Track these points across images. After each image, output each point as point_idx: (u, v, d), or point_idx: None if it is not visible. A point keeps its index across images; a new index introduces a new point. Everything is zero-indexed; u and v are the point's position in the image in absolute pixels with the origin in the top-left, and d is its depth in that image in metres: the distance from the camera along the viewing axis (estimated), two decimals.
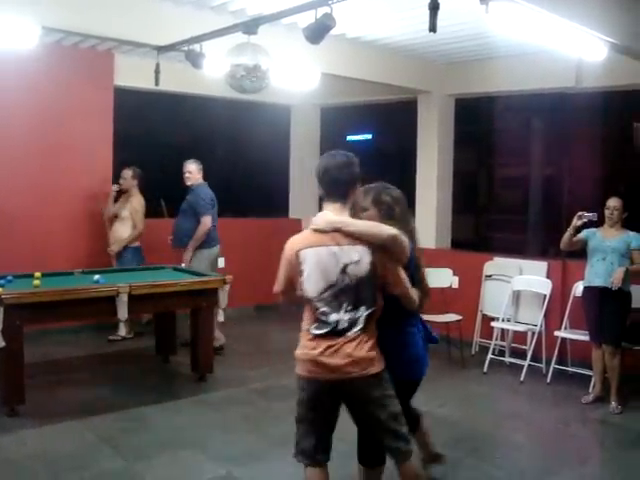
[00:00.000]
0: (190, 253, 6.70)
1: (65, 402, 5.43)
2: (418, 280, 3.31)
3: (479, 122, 8.99)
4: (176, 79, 7.20)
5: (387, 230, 3.06)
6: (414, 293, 3.22)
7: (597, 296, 5.70)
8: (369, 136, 10.65)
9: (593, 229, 5.76)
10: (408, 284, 3.17)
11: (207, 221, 6.69)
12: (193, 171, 6.92)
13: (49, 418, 4.98)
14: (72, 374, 6.18)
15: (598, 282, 5.68)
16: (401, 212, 3.39)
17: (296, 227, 9.82)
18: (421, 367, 3.48)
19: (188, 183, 6.90)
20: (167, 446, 4.60)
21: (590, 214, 5.60)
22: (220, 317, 5.95)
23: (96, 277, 5.62)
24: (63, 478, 4.10)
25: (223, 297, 5.88)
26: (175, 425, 5.01)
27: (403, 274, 3.14)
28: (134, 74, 7.55)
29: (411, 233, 3.36)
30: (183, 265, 6.60)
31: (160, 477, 4.18)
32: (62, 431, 4.80)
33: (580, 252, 5.98)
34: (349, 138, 10.75)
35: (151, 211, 7.93)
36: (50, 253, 7.00)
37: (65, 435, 4.74)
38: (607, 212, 5.64)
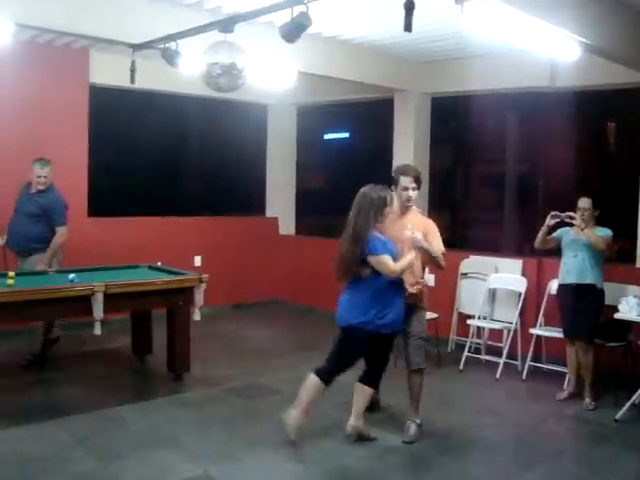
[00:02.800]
0: (46, 264, 6.18)
1: (39, 402, 5.38)
2: None
3: (455, 121, 9.03)
4: (152, 77, 7.15)
5: None
6: None
7: (570, 293, 5.76)
8: (346, 135, 10.66)
9: (567, 228, 5.82)
10: None
11: (65, 232, 6.28)
12: (49, 174, 6.26)
13: (22, 419, 4.93)
14: (47, 374, 6.12)
15: (571, 279, 5.75)
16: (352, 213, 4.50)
17: (273, 225, 9.84)
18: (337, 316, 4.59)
19: (42, 187, 6.25)
20: (143, 446, 4.57)
21: (563, 214, 5.67)
22: (196, 316, 5.92)
23: (71, 276, 5.57)
24: None
25: (199, 296, 5.86)
26: (151, 425, 4.99)
27: None
28: (110, 72, 7.50)
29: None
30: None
31: (136, 477, 4.14)
32: (36, 432, 4.75)
33: (555, 250, 6.05)
34: (326, 137, 10.75)
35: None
36: None
37: (39, 436, 4.69)
38: (578, 213, 5.70)
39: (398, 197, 4.71)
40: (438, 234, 4.83)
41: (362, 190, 4.50)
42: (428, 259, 4.74)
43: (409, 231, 4.60)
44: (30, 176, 6.30)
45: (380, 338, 4.47)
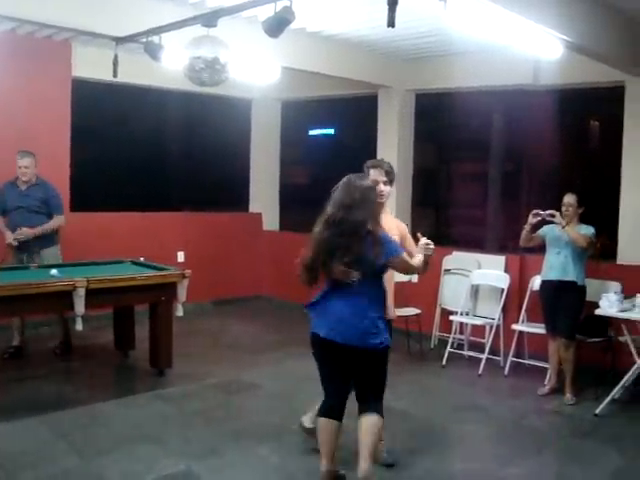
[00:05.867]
0: (36, 233, 6.26)
1: (21, 398, 5.34)
2: None
3: (439, 118, 9.04)
4: (135, 71, 7.12)
5: None
6: None
7: (552, 289, 5.82)
8: (331, 131, 10.65)
9: (551, 225, 5.86)
10: None
11: (63, 220, 6.50)
12: (31, 165, 6.33)
13: (3, 415, 4.88)
14: (28, 370, 6.09)
15: (553, 276, 5.80)
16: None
17: (256, 221, 9.82)
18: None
19: (25, 179, 6.33)
20: (125, 442, 4.56)
21: (545, 212, 5.71)
22: (179, 312, 5.91)
23: (53, 271, 5.54)
24: (18, 477, 4.03)
25: (182, 291, 5.85)
26: (133, 420, 4.97)
27: None
28: (92, 65, 7.43)
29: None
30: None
31: (118, 473, 4.13)
32: (17, 428, 4.71)
33: (538, 247, 6.10)
34: (311, 133, 10.73)
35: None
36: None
37: (20, 432, 4.66)
38: (563, 209, 5.77)
39: None
40: None
41: (350, 179, 3.83)
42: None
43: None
44: (14, 170, 6.35)
45: None
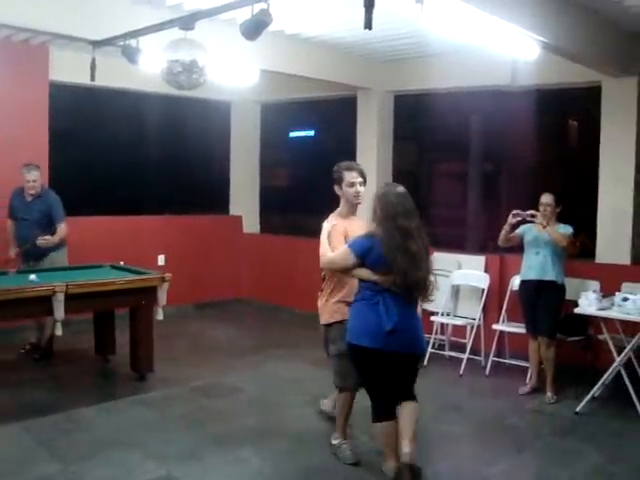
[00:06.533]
0: (55, 240, 6.42)
1: (1, 404, 5.29)
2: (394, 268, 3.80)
3: (418, 119, 9.07)
4: (113, 74, 7.07)
5: None
6: (364, 274, 3.89)
7: (532, 289, 5.84)
8: (311, 132, 10.65)
9: (529, 225, 5.90)
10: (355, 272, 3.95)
11: (65, 227, 6.52)
12: (38, 178, 6.47)
13: None
14: (8, 375, 6.03)
15: (532, 275, 5.83)
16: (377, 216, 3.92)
17: (237, 224, 9.80)
18: (350, 335, 3.93)
19: (33, 192, 6.47)
20: (106, 447, 4.53)
21: (525, 213, 5.75)
22: (159, 315, 5.88)
23: (31, 277, 5.50)
24: None
25: (162, 295, 5.82)
26: (114, 426, 4.94)
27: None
28: (70, 69, 7.38)
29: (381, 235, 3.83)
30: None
31: (99, 478, 4.10)
32: None
33: (517, 247, 6.13)
34: (291, 135, 10.73)
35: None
36: None
37: (2, 439, 4.62)
38: (540, 209, 5.80)
39: (344, 196, 4.39)
40: None
41: (393, 188, 4.00)
42: None
43: None
44: (21, 180, 6.47)
45: None
